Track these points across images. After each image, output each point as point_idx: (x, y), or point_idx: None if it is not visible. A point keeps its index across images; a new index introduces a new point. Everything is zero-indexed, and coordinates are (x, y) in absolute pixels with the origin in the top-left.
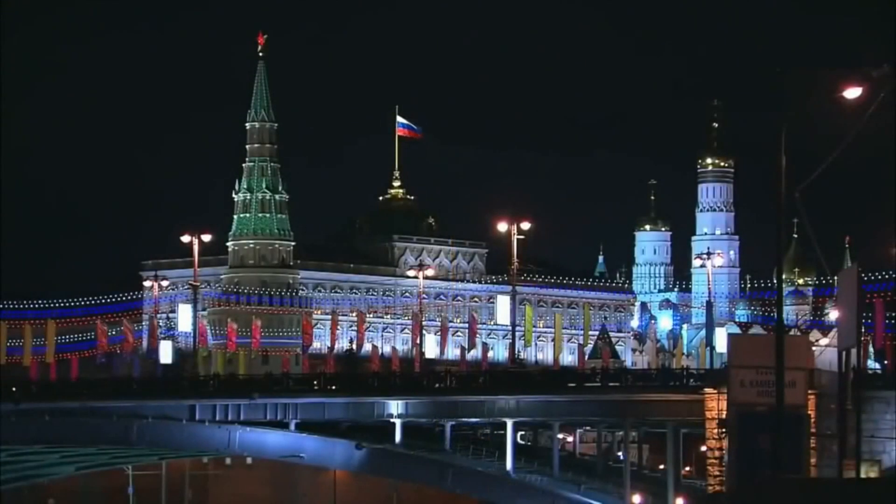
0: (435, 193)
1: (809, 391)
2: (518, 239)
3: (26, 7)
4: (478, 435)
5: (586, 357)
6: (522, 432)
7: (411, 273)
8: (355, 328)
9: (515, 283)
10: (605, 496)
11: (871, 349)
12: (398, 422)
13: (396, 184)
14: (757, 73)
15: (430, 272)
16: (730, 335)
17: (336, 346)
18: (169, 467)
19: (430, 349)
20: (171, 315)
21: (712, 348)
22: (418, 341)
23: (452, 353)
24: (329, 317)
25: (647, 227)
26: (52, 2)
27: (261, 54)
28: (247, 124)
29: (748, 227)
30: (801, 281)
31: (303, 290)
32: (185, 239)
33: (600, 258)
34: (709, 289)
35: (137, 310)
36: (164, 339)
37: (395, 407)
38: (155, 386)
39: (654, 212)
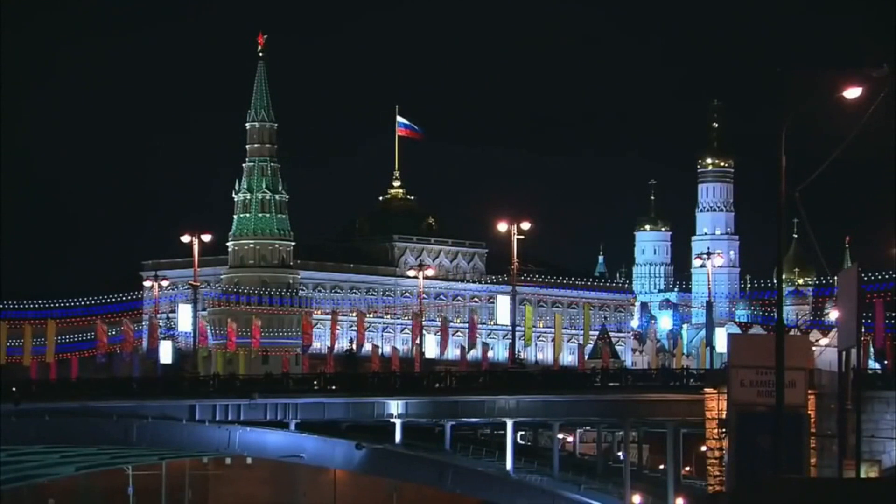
0: (435, 193)
1: (809, 391)
2: (518, 239)
3: (26, 7)
4: (478, 435)
5: (586, 357)
6: (522, 432)
7: (411, 273)
8: (355, 328)
9: (515, 283)
10: (605, 496)
11: (871, 349)
12: (398, 422)
13: (396, 184)
14: (757, 73)
15: (430, 272)
16: (730, 335)
17: (336, 346)
18: (169, 467)
19: (430, 349)
20: (171, 315)
21: (712, 348)
22: (418, 341)
23: (452, 353)
24: (329, 317)
25: (647, 227)
26: (52, 2)
27: (261, 54)
28: (247, 124)
29: (748, 227)
30: (801, 281)
31: (303, 290)
32: (185, 239)
33: (600, 258)
34: (709, 289)
35: (137, 310)
36: (164, 339)
37: (395, 407)
38: (155, 386)
39: (654, 212)
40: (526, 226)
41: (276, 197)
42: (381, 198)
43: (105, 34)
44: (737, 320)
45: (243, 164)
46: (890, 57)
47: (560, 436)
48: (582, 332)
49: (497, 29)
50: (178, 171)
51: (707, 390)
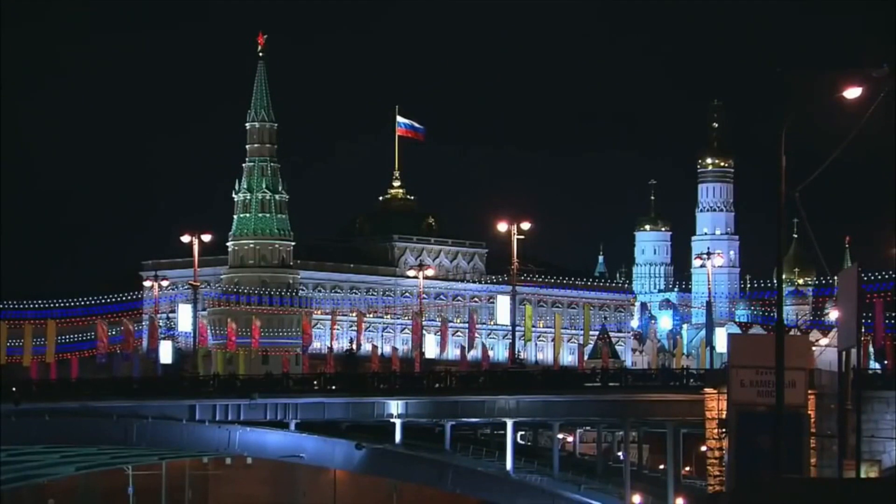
0: (435, 193)
1: (809, 391)
2: (518, 239)
3: (26, 7)
4: (478, 435)
5: (586, 357)
6: (522, 432)
7: (411, 273)
8: (355, 328)
9: (515, 283)
10: (605, 496)
11: (871, 349)
12: (398, 422)
13: (396, 184)
14: (757, 73)
15: (430, 272)
16: (730, 335)
17: (336, 346)
18: (169, 467)
19: (430, 349)
20: (171, 315)
21: (712, 348)
22: (418, 341)
23: (452, 353)
24: (329, 317)
25: (647, 227)
26: (52, 2)
27: (261, 54)
28: (247, 124)
29: (748, 227)
30: (801, 281)
31: (303, 290)
32: (185, 239)
33: (600, 258)
34: (709, 289)
35: (137, 310)
36: (164, 339)
37: (395, 407)
38: (155, 386)
39: (654, 212)
40: (526, 226)
41: (276, 197)
42: (381, 198)
43: (105, 34)
44: (737, 320)
45: (243, 164)
46: (890, 57)
47: (560, 436)
48: (582, 332)
49: (497, 29)
50: (179, 171)
51: (707, 390)
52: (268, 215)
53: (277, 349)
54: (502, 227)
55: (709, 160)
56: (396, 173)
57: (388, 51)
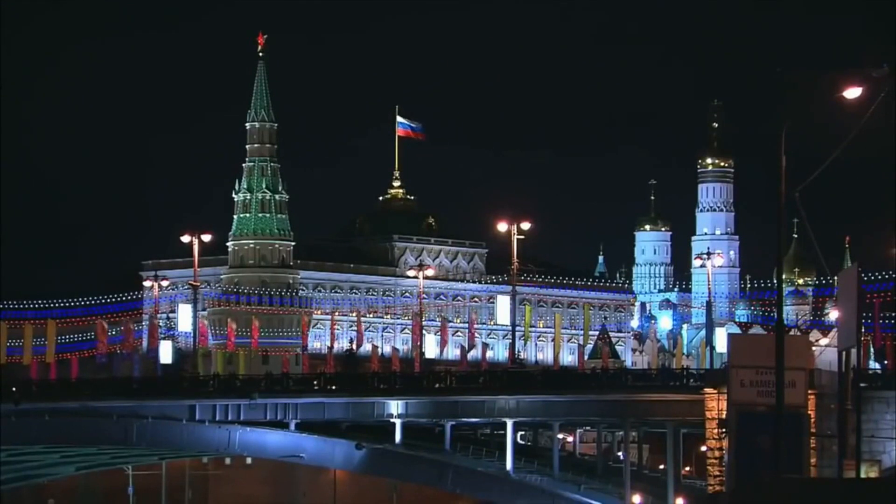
0: (435, 193)
1: (809, 391)
2: (518, 239)
3: (26, 7)
4: (478, 435)
5: (586, 357)
6: (522, 432)
7: (411, 273)
8: (355, 328)
9: (515, 283)
10: (605, 496)
11: (871, 349)
12: (398, 422)
13: (396, 184)
14: (757, 73)
15: (430, 272)
16: (730, 335)
17: (336, 346)
18: (169, 467)
19: (430, 349)
20: (171, 315)
21: (712, 348)
22: (418, 341)
23: (452, 353)
24: (329, 317)
25: (647, 227)
26: (52, 2)
27: (261, 54)
28: (247, 124)
29: (748, 227)
30: (801, 281)
31: (303, 290)
32: (185, 239)
33: (600, 258)
34: (709, 289)
35: (137, 310)
36: (164, 339)
37: (395, 407)
38: (155, 386)
39: (654, 212)
40: (526, 226)
41: (276, 197)
42: (381, 198)
43: (105, 34)
44: (737, 320)
45: (243, 164)
46: (890, 57)
47: (560, 436)
48: (582, 332)
49: (497, 29)
50: (179, 170)
51: (707, 390)
52: (268, 215)
53: (277, 349)
54: (502, 227)
55: (709, 160)
56: (396, 173)
57: (388, 51)
